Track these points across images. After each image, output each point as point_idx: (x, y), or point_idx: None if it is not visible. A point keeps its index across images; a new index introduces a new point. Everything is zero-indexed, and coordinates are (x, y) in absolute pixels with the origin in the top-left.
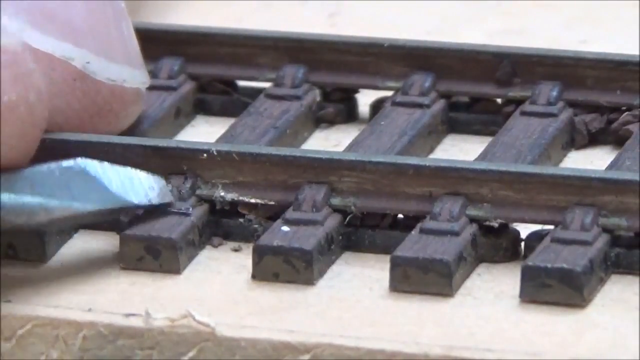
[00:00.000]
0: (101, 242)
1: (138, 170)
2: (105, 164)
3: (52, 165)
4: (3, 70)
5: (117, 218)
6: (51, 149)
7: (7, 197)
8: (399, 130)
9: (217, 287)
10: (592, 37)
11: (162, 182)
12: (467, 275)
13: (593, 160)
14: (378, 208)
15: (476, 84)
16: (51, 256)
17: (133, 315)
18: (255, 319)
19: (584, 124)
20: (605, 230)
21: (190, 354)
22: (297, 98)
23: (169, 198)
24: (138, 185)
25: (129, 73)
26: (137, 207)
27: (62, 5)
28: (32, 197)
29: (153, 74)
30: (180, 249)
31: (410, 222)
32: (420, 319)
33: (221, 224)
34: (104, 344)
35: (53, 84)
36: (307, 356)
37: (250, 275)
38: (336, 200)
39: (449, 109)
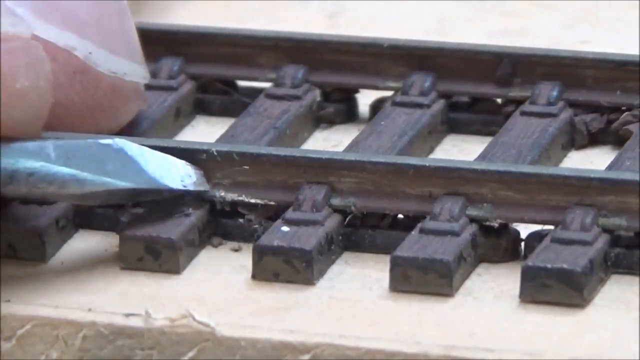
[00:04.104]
0: (101, 242)
1: (176, 159)
2: (144, 147)
3: (90, 140)
4: (16, 58)
5: (148, 200)
6: None
7: (40, 165)
8: (399, 131)
9: (217, 287)
10: (592, 37)
11: (200, 172)
12: (467, 276)
13: (593, 160)
14: (378, 208)
15: (476, 84)
16: (51, 256)
17: (133, 315)
18: (255, 319)
19: (584, 124)
20: (605, 230)
21: (190, 354)
22: (297, 98)
23: (204, 187)
24: (175, 171)
25: (130, 67)
26: (171, 191)
27: None
28: (66, 168)
29: (153, 74)
30: (180, 249)
31: (410, 222)
32: (420, 319)
33: (221, 224)
34: (104, 344)
35: (53, 76)
36: (307, 356)
37: (250, 275)
38: (336, 201)
39: (449, 109)
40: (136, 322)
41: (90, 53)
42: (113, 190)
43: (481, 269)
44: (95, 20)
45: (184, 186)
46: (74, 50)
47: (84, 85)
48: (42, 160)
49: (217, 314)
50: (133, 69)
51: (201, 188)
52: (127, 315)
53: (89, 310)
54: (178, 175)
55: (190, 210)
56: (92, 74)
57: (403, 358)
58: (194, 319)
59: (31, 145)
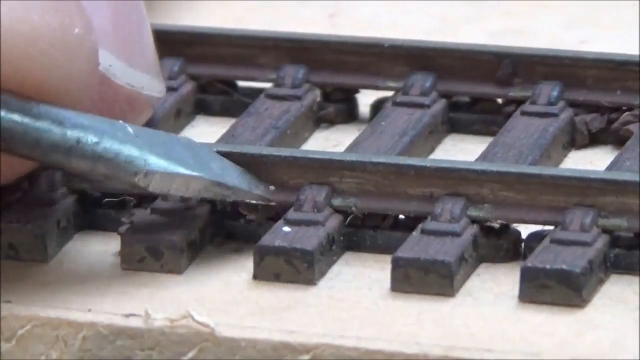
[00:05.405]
0: (102, 243)
1: (237, 165)
2: (210, 148)
3: (153, 129)
4: (69, 5)
5: (207, 200)
6: None
7: (106, 138)
8: (400, 131)
9: (217, 287)
10: (592, 37)
11: (266, 184)
12: (467, 276)
13: (593, 161)
14: (379, 209)
15: (476, 84)
16: (52, 256)
17: (133, 315)
18: (255, 319)
19: (584, 124)
20: (605, 231)
21: (190, 354)
22: (298, 98)
23: (269, 197)
24: (240, 175)
25: (148, 80)
26: (236, 190)
27: (89, 6)
28: (133, 146)
29: None
30: (182, 250)
31: (411, 223)
32: (420, 319)
33: (222, 225)
34: (104, 344)
35: None
36: (307, 356)
37: (251, 276)
38: (337, 201)
39: (450, 109)
40: (136, 323)
41: (110, 65)
42: (178, 176)
43: (481, 269)
44: (116, 33)
45: (250, 189)
46: None
47: (102, 96)
48: (107, 135)
49: (217, 314)
50: (150, 83)
51: (270, 198)
52: (127, 315)
53: (89, 310)
54: (245, 179)
55: (191, 211)
56: (110, 86)
57: (403, 358)
58: (193, 319)
59: (99, 119)
